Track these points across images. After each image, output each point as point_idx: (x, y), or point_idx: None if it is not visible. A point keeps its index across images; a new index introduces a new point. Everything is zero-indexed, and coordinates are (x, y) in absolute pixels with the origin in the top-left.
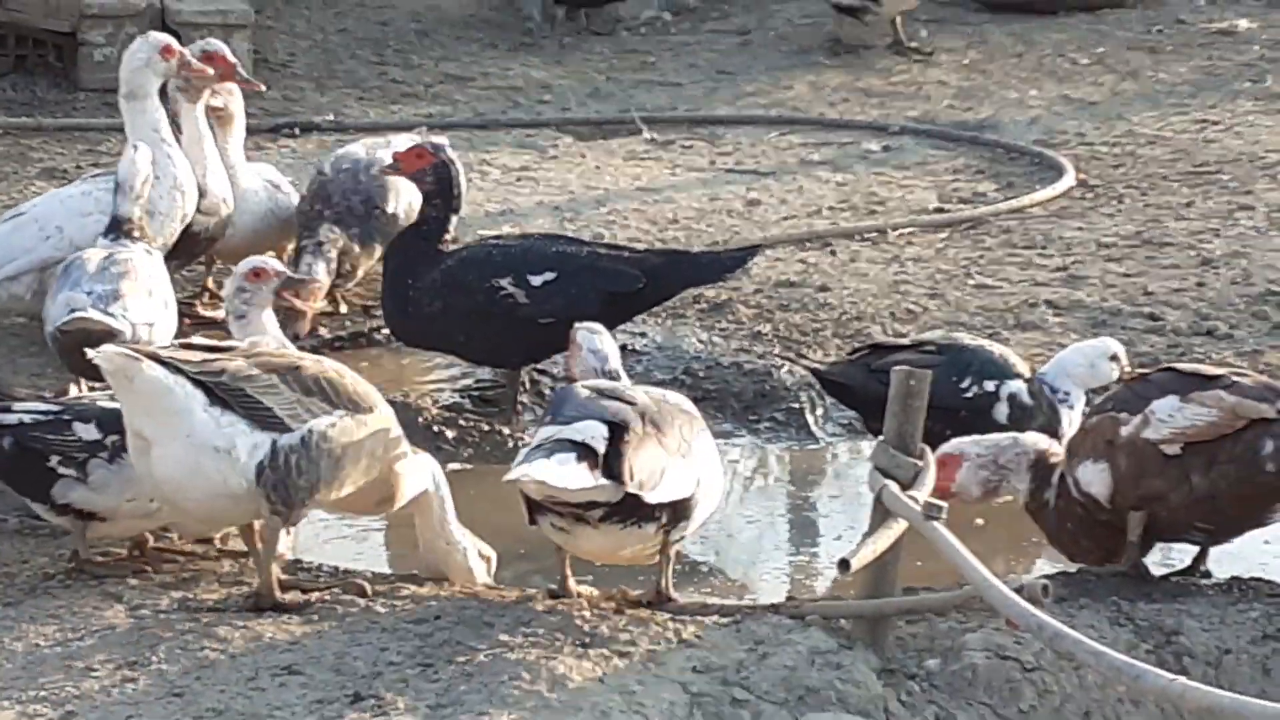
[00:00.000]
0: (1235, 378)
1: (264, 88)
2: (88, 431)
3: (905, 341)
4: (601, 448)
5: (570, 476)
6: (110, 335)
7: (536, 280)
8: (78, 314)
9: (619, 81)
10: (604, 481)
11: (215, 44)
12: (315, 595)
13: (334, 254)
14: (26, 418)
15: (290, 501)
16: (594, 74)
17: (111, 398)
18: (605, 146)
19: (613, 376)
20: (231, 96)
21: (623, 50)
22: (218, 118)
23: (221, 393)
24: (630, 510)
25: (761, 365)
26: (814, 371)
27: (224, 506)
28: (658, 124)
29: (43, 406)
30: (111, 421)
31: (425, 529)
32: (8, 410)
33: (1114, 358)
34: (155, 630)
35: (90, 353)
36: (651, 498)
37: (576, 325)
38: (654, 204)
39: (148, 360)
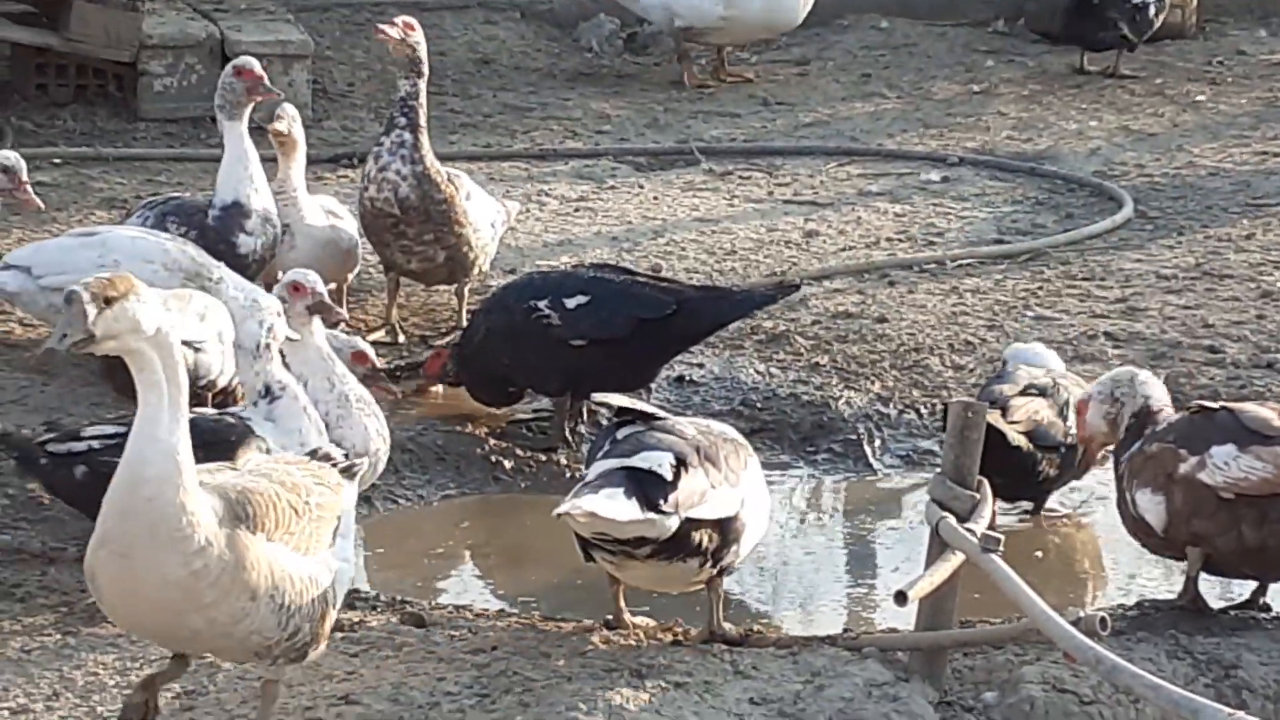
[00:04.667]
0: None
1: (280, 94)
2: None
3: None
4: (669, 475)
5: (621, 509)
6: None
7: (571, 303)
8: None
9: (677, 112)
10: (651, 515)
11: (246, 60)
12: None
13: None
14: (95, 443)
15: None
16: (652, 104)
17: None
18: (663, 177)
19: None
20: (295, 123)
21: (680, 81)
22: (280, 144)
23: None
24: (676, 547)
25: (819, 396)
26: None
27: None
28: (715, 155)
29: (110, 429)
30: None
31: None
32: (76, 437)
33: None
34: (213, 659)
35: None
36: (695, 514)
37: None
38: (711, 235)
39: None
